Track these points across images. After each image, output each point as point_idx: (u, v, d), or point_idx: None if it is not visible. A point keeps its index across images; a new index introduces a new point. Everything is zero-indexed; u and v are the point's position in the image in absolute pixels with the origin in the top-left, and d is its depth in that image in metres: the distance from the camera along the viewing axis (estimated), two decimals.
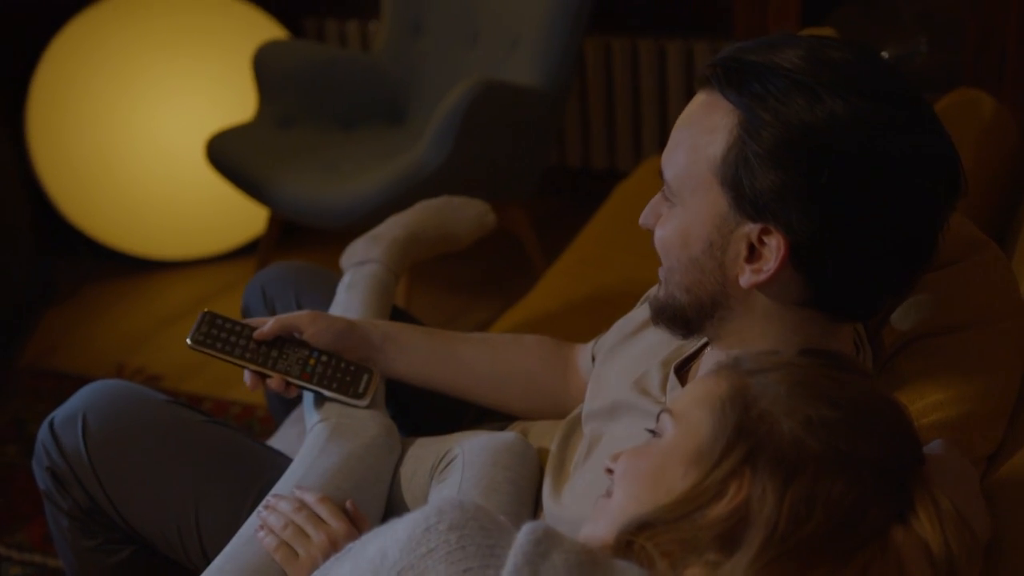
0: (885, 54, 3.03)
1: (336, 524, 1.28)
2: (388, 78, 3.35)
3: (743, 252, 1.13)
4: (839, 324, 1.18)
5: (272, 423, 2.63)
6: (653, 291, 1.30)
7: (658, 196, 1.22)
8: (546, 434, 1.49)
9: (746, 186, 1.09)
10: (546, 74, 2.96)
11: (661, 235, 1.19)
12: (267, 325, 1.49)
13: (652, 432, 1.03)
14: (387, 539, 0.94)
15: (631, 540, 0.94)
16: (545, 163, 3.16)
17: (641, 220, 1.24)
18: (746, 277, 1.13)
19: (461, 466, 1.39)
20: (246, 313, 1.83)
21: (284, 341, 1.50)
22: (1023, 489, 1.14)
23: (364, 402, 1.49)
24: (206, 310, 1.51)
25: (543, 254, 3.11)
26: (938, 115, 1.14)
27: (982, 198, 2.07)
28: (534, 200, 3.23)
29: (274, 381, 1.48)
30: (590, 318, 2.06)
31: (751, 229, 1.11)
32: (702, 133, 1.13)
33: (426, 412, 1.62)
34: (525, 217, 3.14)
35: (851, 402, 0.94)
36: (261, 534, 1.29)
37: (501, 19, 3.15)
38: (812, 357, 0.99)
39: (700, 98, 1.16)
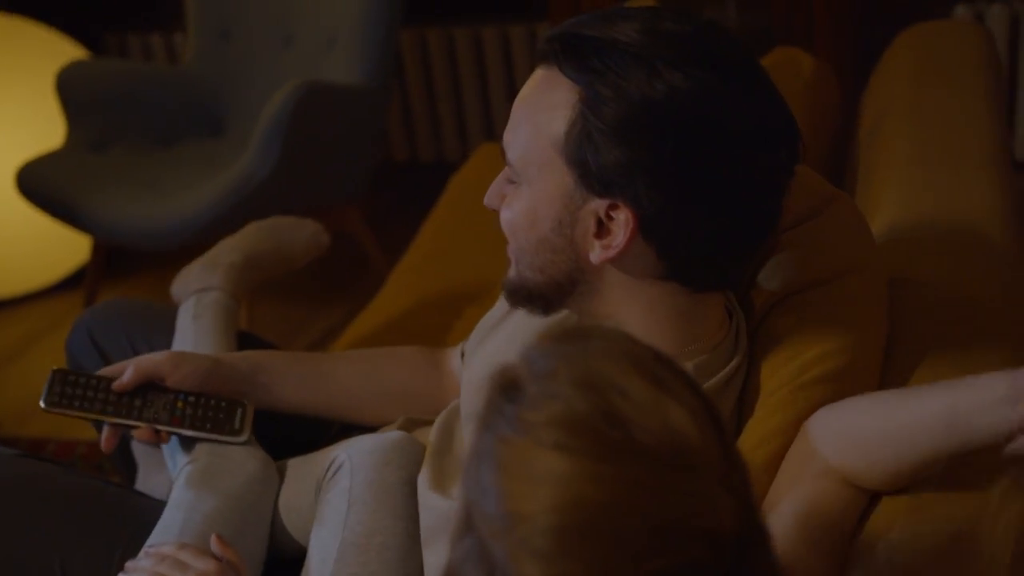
0: None
1: (202, 564, 1.24)
2: (201, 89, 3.25)
3: (592, 228, 1.12)
4: (703, 294, 1.18)
5: None
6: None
7: (501, 176, 1.20)
8: (426, 435, 1.46)
9: (591, 163, 1.09)
10: (367, 71, 2.92)
11: (508, 216, 1.18)
12: (126, 375, 1.42)
13: None
14: None
15: None
16: (373, 161, 3.12)
17: (486, 200, 1.22)
18: (596, 253, 1.13)
19: (349, 471, 1.34)
20: (73, 363, 1.74)
21: (146, 388, 1.43)
22: None
23: (242, 438, 1.43)
24: (55, 368, 1.43)
25: (382, 253, 3.07)
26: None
27: (812, 152, 2.11)
28: (365, 199, 3.18)
29: (142, 432, 1.41)
30: (443, 314, 2.04)
31: (598, 205, 1.11)
32: (543, 110, 1.12)
33: (285, 432, 1.57)
34: (359, 217, 3.09)
35: None
36: None
37: (314, 19, 3.09)
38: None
39: (539, 74, 1.15)
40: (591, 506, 0.70)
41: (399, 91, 3.62)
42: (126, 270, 3.40)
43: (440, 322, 1.98)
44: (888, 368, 1.26)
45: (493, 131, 3.57)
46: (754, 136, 1.10)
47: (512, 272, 1.22)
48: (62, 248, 3.36)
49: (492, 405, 0.76)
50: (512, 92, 3.50)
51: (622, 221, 1.10)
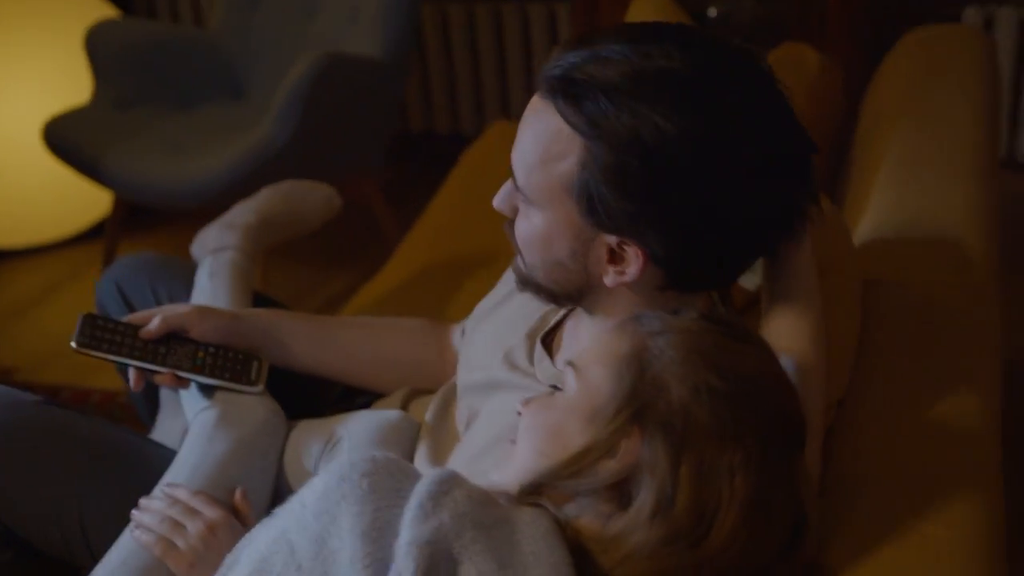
0: (712, 11, 3.14)
1: (211, 512, 1.31)
2: (226, 54, 3.32)
3: (604, 256, 1.18)
4: (695, 294, 1.25)
5: (135, 409, 2.62)
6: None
7: (512, 184, 1.23)
8: (426, 407, 1.53)
9: (600, 210, 1.14)
10: (387, 44, 2.98)
11: (522, 233, 1.23)
12: (153, 324, 1.50)
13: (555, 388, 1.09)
14: (305, 491, 1.04)
15: (530, 495, 1.01)
16: (390, 133, 3.19)
17: (495, 203, 1.25)
18: (610, 277, 1.19)
19: (347, 449, 1.43)
20: (100, 309, 1.82)
21: (170, 336, 1.51)
22: (877, 430, 1.25)
23: (258, 388, 1.51)
24: (85, 312, 1.50)
25: (395, 222, 3.15)
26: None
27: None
28: (380, 168, 3.25)
29: (163, 377, 1.50)
30: (445, 288, 2.11)
31: (610, 239, 1.16)
32: (551, 148, 1.15)
33: (292, 392, 1.65)
34: (375, 188, 3.16)
35: (741, 375, 1.00)
36: (137, 533, 1.31)
37: None
38: (712, 323, 1.05)
39: (540, 104, 1.17)
40: None
41: (418, 63, 3.69)
42: (144, 226, 3.48)
43: (441, 295, 2.05)
44: (857, 367, 1.33)
45: (509, 106, 3.64)
46: (754, 171, 1.12)
47: (521, 265, 1.27)
48: (83, 202, 3.45)
49: None
50: (529, 69, 3.57)
51: (632, 255, 1.16)
